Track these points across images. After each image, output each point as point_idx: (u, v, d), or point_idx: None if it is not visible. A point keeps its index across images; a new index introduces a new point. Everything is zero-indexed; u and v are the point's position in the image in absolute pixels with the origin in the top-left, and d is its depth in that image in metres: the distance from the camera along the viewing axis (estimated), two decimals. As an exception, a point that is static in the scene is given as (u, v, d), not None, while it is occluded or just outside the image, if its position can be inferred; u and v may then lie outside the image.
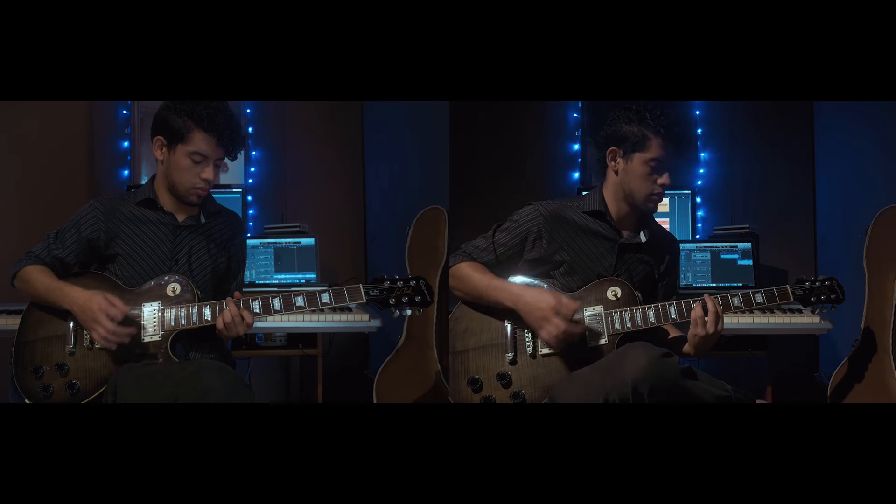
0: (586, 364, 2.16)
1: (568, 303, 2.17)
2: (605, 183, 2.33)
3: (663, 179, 2.25)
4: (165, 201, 2.32)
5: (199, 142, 2.21)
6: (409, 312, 2.20)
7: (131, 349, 2.17)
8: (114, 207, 2.32)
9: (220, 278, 2.38)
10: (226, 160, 2.30)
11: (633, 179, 2.26)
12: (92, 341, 2.18)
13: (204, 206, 2.36)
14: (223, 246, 2.38)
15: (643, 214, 2.35)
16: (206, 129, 2.20)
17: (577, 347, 2.20)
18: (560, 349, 2.19)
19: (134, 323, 2.18)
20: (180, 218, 2.33)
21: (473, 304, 2.31)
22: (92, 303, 2.14)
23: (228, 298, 2.18)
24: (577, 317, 2.19)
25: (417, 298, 2.19)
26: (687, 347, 2.21)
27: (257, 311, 2.19)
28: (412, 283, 2.20)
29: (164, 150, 2.26)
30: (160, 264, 2.28)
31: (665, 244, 2.42)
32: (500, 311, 2.26)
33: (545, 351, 2.22)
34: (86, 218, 2.29)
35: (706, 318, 2.16)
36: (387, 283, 2.20)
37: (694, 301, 2.20)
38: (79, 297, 2.16)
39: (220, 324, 2.17)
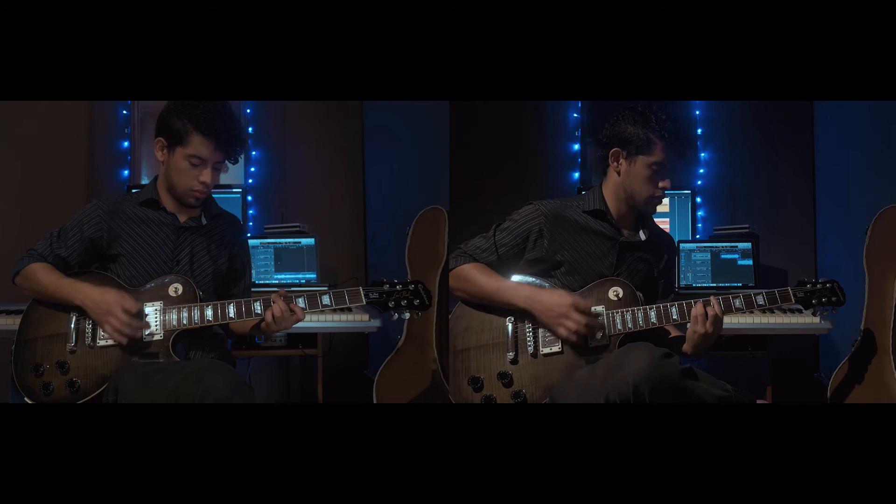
0: (587, 364, 2.16)
1: (584, 299, 2.20)
2: (606, 182, 2.33)
3: (665, 183, 2.26)
4: (167, 202, 2.32)
5: (197, 145, 2.21)
6: (407, 316, 2.24)
7: (133, 348, 2.17)
8: (116, 207, 2.32)
9: (221, 280, 2.38)
10: (226, 162, 2.30)
11: (636, 182, 2.26)
12: (94, 339, 2.19)
13: (206, 208, 2.36)
14: (224, 248, 2.38)
15: (642, 214, 2.35)
16: (203, 132, 2.20)
17: (578, 347, 2.21)
18: (581, 343, 2.20)
19: (144, 320, 2.19)
20: (182, 219, 2.33)
21: (475, 304, 2.31)
22: (107, 295, 2.16)
23: (274, 294, 2.20)
24: (593, 310, 2.21)
25: (416, 302, 2.22)
26: (686, 346, 2.21)
27: (258, 311, 2.20)
28: (411, 286, 2.23)
29: (165, 151, 2.26)
30: (162, 265, 2.28)
31: (663, 243, 2.43)
32: (503, 309, 2.26)
33: (546, 350, 2.22)
34: (89, 217, 2.29)
35: (706, 316, 2.16)
36: (386, 287, 2.23)
37: (695, 302, 2.20)
38: (92, 292, 2.17)
39: (268, 316, 2.18)
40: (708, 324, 2.16)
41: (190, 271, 2.30)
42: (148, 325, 2.19)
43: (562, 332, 2.19)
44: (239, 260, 2.43)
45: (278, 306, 2.18)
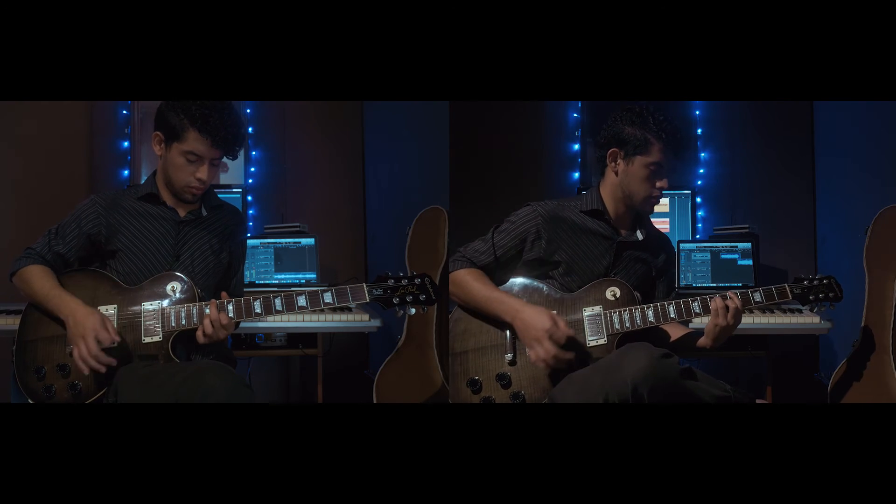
0: (586, 365, 2.16)
1: (563, 328, 2.15)
2: (603, 182, 2.33)
3: (662, 183, 2.26)
4: (167, 196, 2.31)
5: (194, 141, 2.18)
6: (413, 311, 2.16)
7: (132, 350, 2.16)
8: (115, 202, 2.30)
9: (222, 274, 2.37)
10: (226, 159, 2.29)
11: (633, 182, 2.26)
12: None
13: (205, 200, 2.35)
14: (225, 240, 2.37)
15: (639, 214, 2.35)
16: (199, 129, 2.17)
17: (576, 348, 2.19)
18: (546, 372, 2.17)
19: (119, 355, 2.12)
20: (182, 213, 2.31)
21: (469, 310, 2.30)
22: (87, 319, 2.11)
23: (212, 301, 2.15)
24: (573, 339, 2.17)
25: (422, 297, 2.16)
26: (705, 340, 2.21)
27: (258, 311, 2.17)
28: (417, 280, 2.16)
29: (162, 146, 2.25)
30: (162, 260, 2.27)
31: (661, 243, 2.43)
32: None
33: (545, 351, 2.22)
34: (86, 212, 2.28)
35: (727, 309, 2.16)
36: (391, 282, 2.16)
37: (693, 300, 2.20)
38: (77, 309, 2.13)
39: (201, 338, 2.14)
40: (729, 316, 2.16)
41: (191, 265, 2.28)
42: (114, 363, 2.10)
43: (531, 355, 2.17)
44: (236, 256, 2.41)
45: (208, 320, 2.13)
